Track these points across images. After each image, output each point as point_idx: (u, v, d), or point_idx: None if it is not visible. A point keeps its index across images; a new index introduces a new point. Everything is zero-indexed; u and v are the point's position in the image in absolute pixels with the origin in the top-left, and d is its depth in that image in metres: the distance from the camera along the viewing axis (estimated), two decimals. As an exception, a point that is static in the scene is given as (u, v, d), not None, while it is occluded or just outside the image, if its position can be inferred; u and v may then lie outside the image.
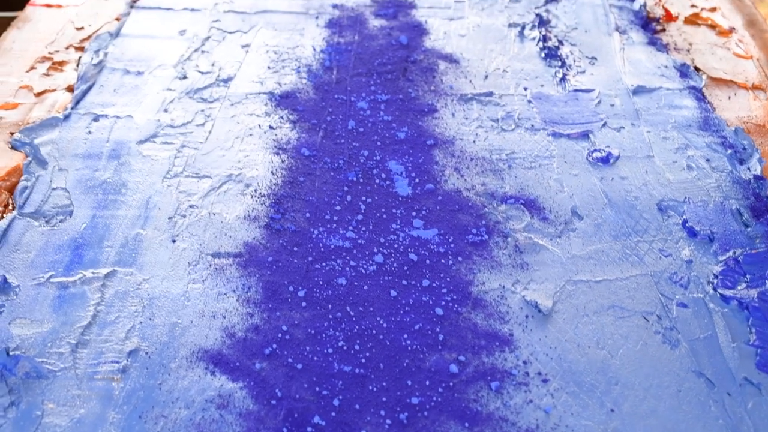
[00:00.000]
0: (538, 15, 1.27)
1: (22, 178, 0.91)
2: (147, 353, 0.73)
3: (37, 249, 0.83)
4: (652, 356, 0.73)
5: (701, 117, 1.04)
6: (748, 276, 0.81)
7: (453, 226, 0.87)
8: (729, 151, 0.98)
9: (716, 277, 0.81)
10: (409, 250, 0.84)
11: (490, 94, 1.08)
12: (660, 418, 0.68)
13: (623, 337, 0.75)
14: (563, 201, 0.91)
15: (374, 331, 0.75)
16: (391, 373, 0.71)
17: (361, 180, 0.93)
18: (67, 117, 1.01)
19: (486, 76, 1.11)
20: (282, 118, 1.03)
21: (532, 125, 1.02)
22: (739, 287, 0.80)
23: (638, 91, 1.09)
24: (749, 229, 0.87)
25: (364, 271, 0.81)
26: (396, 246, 0.84)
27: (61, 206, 0.88)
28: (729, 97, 1.08)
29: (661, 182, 0.93)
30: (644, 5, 1.28)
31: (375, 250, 0.84)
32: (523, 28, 1.23)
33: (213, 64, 1.13)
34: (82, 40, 1.17)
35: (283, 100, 1.06)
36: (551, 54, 1.16)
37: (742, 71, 1.14)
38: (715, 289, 0.80)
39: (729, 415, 0.68)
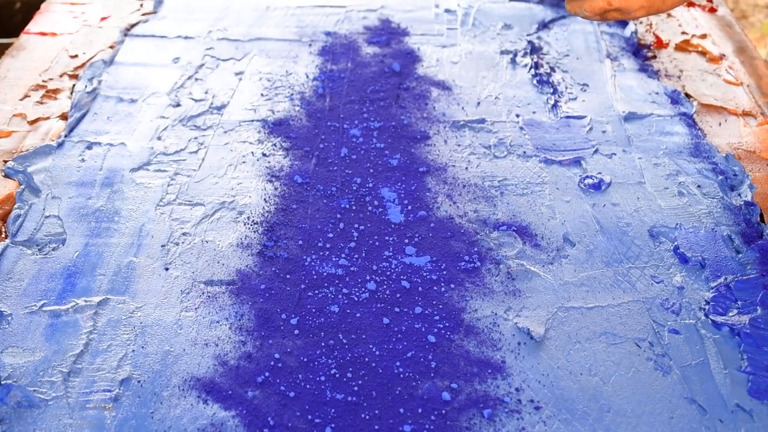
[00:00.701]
0: (530, 42, 1.28)
1: (15, 206, 0.91)
2: (139, 382, 0.72)
3: (30, 277, 0.83)
4: (644, 383, 0.73)
5: (692, 143, 1.05)
6: (739, 302, 0.81)
7: (445, 253, 0.87)
8: (720, 177, 0.98)
9: (708, 303, 0.81)
10: (402, 277, 0.84)
11: (483, 120, 1.08)
12: (652, 446, 0.68)
13: (615, 364, 0.75)
14: (555, 228, 0.91)
15: (367, 359, 0.75)
16: (383, 400, 0.71)
17: (354, 207, 0.93)
18: (60, 145, 1.01)
19: (478, 103, 1.12)
20: (275, 145, 1.03)
21: (524, 152, 1.02)
22: (730, 313, 0.80)
23: (630, 117, 1.09)
24: (740, 255, 0.87)
25: (356, 299, 0.81)
26: (388, 273, 0.84)
27: (54, 234, 0.88)
28: (720, 124, 1.09)
29: (652, 208, 0.94)
30: (635, 32, 1.29)
31: (367, 278, 0.84)
32: (515, 55, 1.24)
33: (206, 92, 1.13)
34: (76, 68, 1.18)
35: (276, 127, 1.06)
36: (543, 81, 1.17)
37: (733, 98, 1.14)
38: (706, 316, 0.80)
39: (721, 442, 0.68)
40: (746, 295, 0.82)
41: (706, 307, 0.81)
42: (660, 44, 1.28)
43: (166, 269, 0.85)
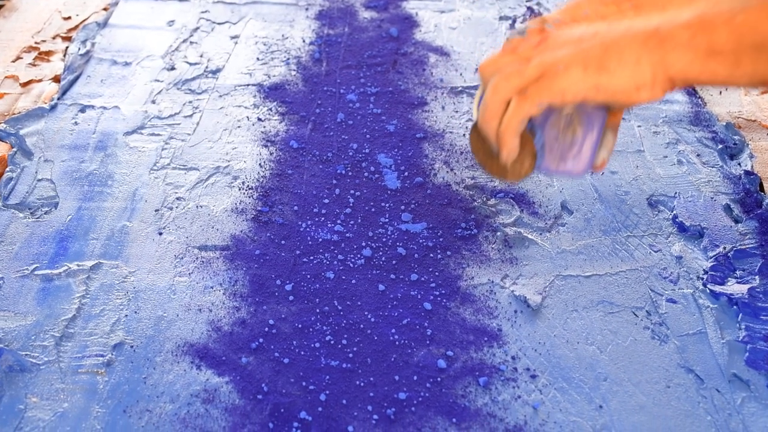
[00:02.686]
0: (528, 8, 1.26)
1: (7, 169, 0.90)
2: (132, 347, 0.72)
3: (22, 241, 0.82)
4: (641, 352, 0.73)
5: (692, 112, 1.04)
6: (737, 272, 0.80)
7: (442, 219, 0.86)
8: (720, 146, 0.97)
9: (706, 272, 0.81)
10: (398, 244, 0.83)
11: (481, 87, 1.07)
12: (649, 414, 0.68)
13: (612, 333, 0.75)
14: (553, 195, 0.90)
15: (362, 326, 0.74)
16: (378, 368, 0.71)
17: (350, 173, 0.92)
18: (53, 108, 1.00)
19: (476, 69, 1.11)
20: (270, 110, 1.02)
21: (523, 119, 1.01)
22: (728, 283, 0.79)
23: (629, 85, 1.08)
24: (739, 225, 0.86)
25: (352, 265, 0.81)
26: (384, 240, 0.84)
27: (47, 198, 0.87)
28: (720, 92, 1.08)
29: (651, 177, 0.93)
30: None
31: (363, 244, 0.83)
32: (514, 21, 1.23)
33: (201, 56, 1.12)
34: (70, 30, 1.16)
35: (272, 92, 1.05)
36: (542, 47, 1.16)
37: (734, 66, 1.13)
38: (704, 285, 0.79)
39: (718, 412, 0.68)
40: (744, 264, 0.81)
41: (704, 276, 0.80)
42: (661, 11, 1.26)
43: (160, 234, 0.84)
